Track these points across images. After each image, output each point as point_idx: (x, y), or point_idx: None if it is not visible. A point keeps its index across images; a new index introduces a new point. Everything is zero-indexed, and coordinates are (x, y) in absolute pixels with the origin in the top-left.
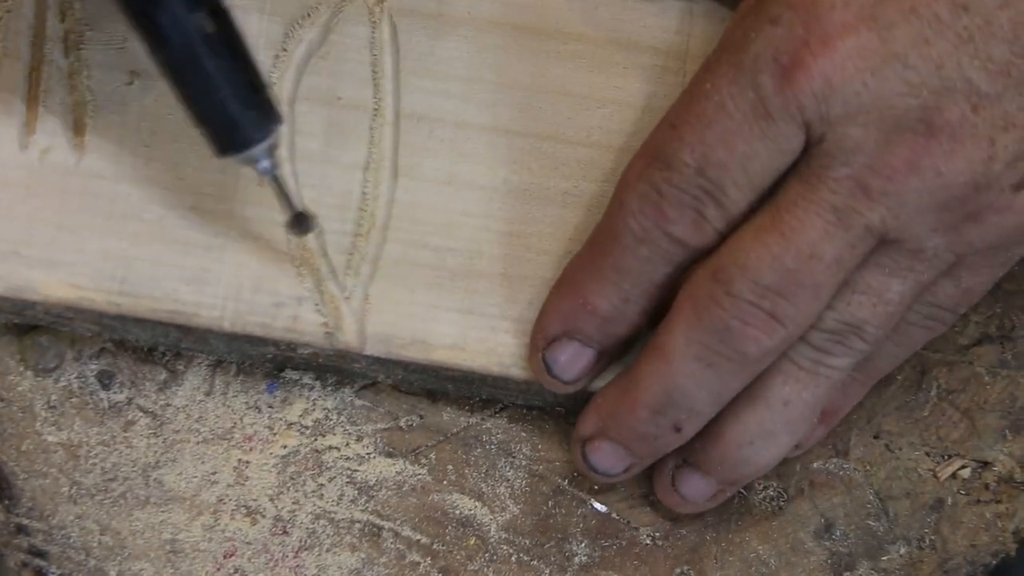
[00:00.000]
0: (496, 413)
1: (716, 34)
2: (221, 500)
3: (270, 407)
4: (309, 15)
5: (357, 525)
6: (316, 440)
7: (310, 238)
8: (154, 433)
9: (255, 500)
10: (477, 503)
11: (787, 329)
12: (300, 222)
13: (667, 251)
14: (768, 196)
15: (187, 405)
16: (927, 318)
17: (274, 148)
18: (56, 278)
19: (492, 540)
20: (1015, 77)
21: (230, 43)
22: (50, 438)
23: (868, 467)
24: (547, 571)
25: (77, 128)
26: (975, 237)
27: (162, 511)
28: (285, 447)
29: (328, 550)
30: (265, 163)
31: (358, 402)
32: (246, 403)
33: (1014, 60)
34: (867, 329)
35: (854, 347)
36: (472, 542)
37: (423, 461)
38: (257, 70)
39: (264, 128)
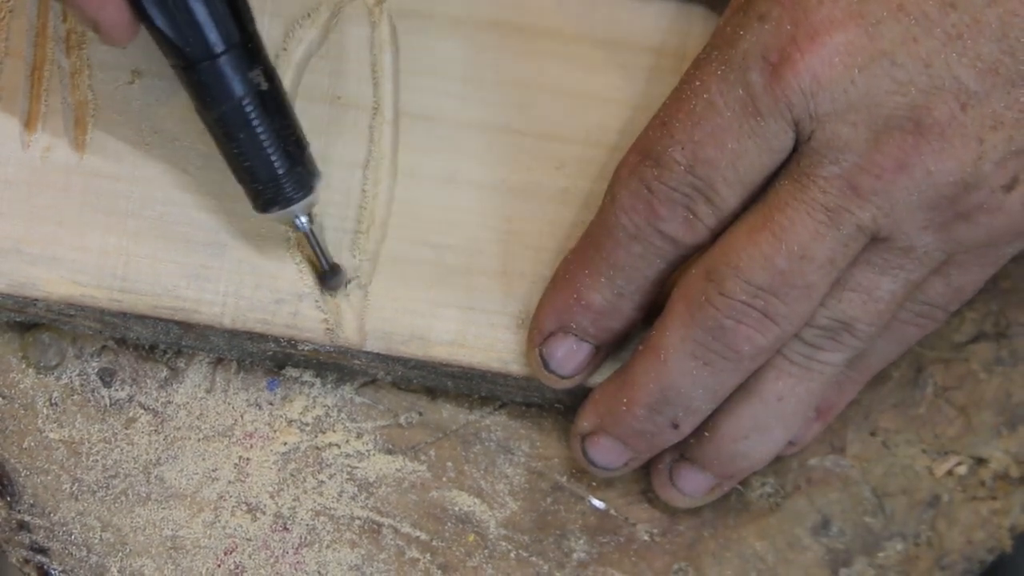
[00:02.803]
0: (495, 410)
1: None
2: (222, 497)
3: (271, 404)
4: (309, 15)
5: (357, 522)
6: (316, 437)
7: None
8: (155, 430)
9: (256, 497)
10: (476, 500)
11: (780, 328)
12: (331, 276)
13: (659, 248)
14: (760, 193)
15: (188, 402)
16: (919, 316)
17: (312, 205)
18: (57, 275)
19: (491, 536)
20: (1004, 75)
21: (279, 101)
22: (52, 435)
23: (865, 464)
24: (546, 567)
25: (79, 127)
26: (965, 236)
27: (163, 508)
28: (285, 444)
29: (328, 546)
30: (303, 220)
31: (358, 399)
32: (247, 400)
33: (1002, 58)
34: (858, 326)
35: (846, 343)
36: (471, 538)
37: (422, 458)
38: (299, 127)
39: (306, 185)
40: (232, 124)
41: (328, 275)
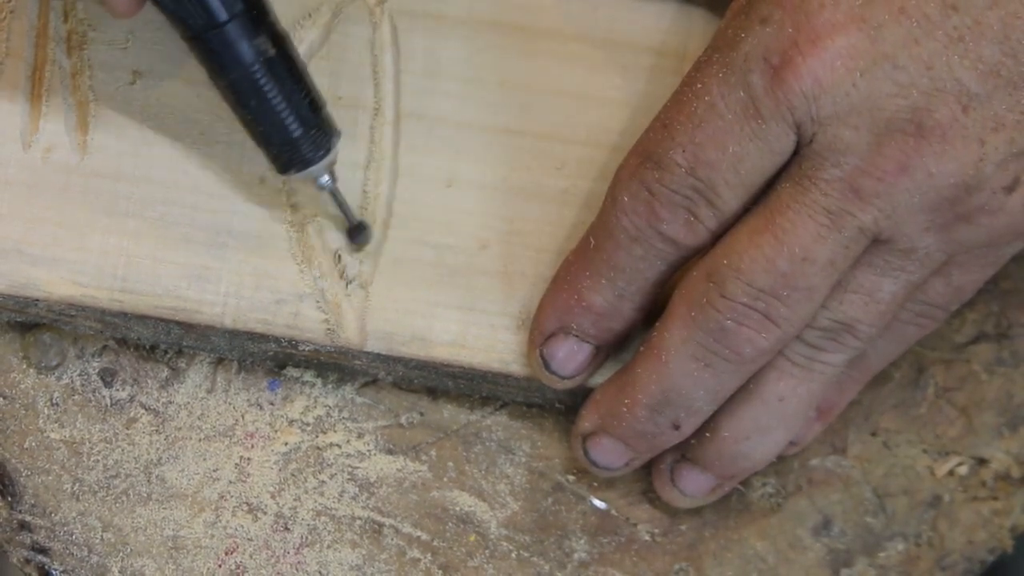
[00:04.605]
0: (496, 410)
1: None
2: (223, 497)
3: (271, 404)
4: (310, 16)
5: (358, 522)
6: (317, 437)
7: (311, 235)
8: (156, 430)
9: (256, 497)
10: (477, 500)
11: (782, 329)
12: (358, 232)
13: (660, 250)
14: (761, 196)
15: (189, 402)
16: (919, 316)
17: (332, 164)
18: (58, 276)
19: (492, 537)
20: (1005, 77)
21: (289, 65)
22: (53, 435)
23: (866, 464)
24: (547, 567)
25: (80, 127)
26: (966, 237)
27: (164, 508)
28: (286, 444)
29: (329, 547)
30: (325, 179)
31: (359, 399)
32: (248, 400)
33: (1004, 60)
34: (859, 327)
35: (847, 344)
36: (472, 539)
37: (423, 458)
38: (315, 88)
39: (324, 145)
40: (243, 91)
41: (355, 231)
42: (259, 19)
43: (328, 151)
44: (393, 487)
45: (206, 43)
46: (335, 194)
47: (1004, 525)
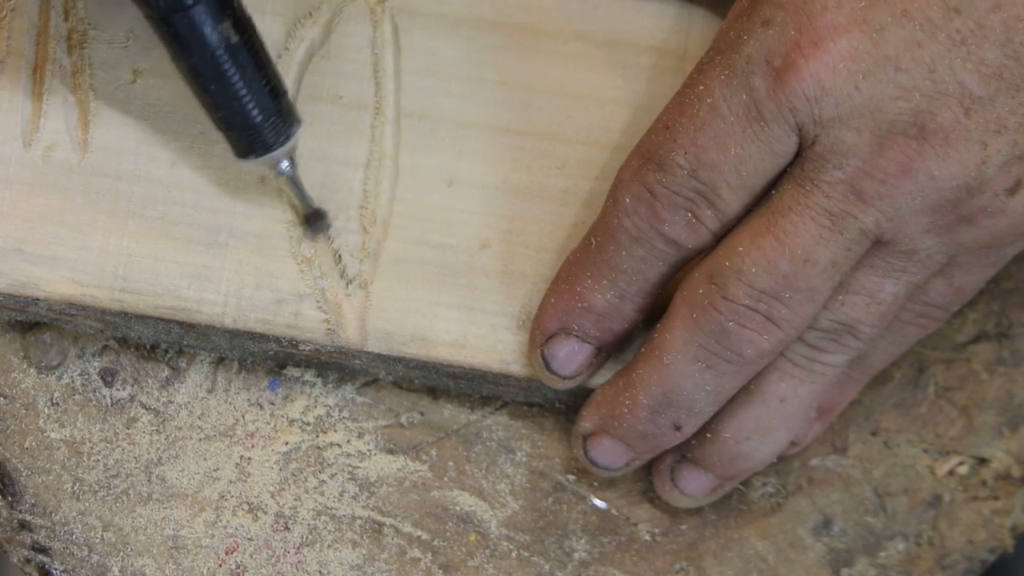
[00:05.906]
0: (496, 410)
1: (714, 34)
2: (223, 496)
3: (272, 404)
4: (311, 14)
5: (358, 521)
6: (318, 437)
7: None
8: (156, 430)
9: (257, 496)
10: (477, 499)
11: (783, 331)
12: (315, 220)
13: (662, 251)
14: (762, 197)
15: (189, 402)
16: (920, 316)
17: (292, 151)
18: (59, 275)
19: (492, 536)
20: (1008, 80)
21: (252, 51)
22: (53, 435)
23: (866, 464)
24: (547, 567)
25: (80, 126)
26: (968, 238)
27: (164, 507)
28: (287, 444)
29: (329, 546)
30: (284, 165)
31: (359, 399)
32: (248, 400)
33: (1007, 63)
34: (861, 328)
35: (848, 345)
36: (472, 538)
37: (424, 458)
38: (278, 76)
39: (284, 132)
40: (205, 75)
41: (312, 219)
42: (225, 4)
43: (289, 138)
44: (393, 487)
45: (171, 25)
46: (293, 180)
47: (1005, 525)
